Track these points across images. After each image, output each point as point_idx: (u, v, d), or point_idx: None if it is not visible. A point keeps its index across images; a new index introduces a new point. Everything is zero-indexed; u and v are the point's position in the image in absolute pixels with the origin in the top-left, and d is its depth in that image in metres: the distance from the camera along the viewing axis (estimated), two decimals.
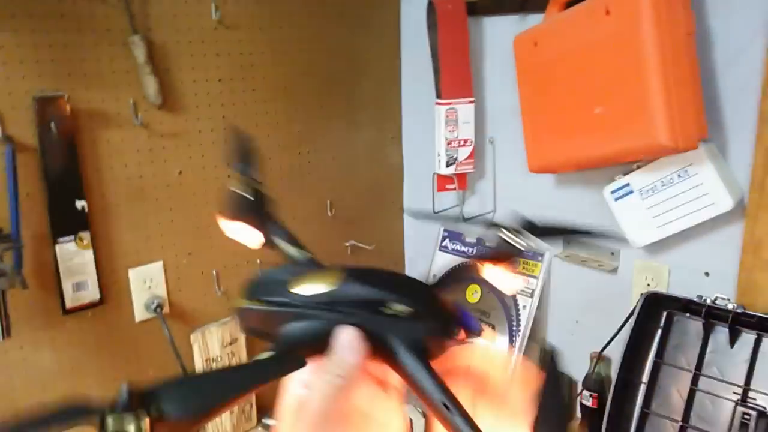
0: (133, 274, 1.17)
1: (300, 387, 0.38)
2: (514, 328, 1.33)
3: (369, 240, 1.56)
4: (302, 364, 0.36)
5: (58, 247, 1.08)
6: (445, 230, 1.53)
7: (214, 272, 1.28)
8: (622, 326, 1.08)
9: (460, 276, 0.50)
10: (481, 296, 1.41)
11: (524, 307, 1.33)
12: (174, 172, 1.20)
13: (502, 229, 0.48)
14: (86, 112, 1.09)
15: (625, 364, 1.04)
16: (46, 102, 1.04)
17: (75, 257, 1.10)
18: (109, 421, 0.29)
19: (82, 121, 1.09)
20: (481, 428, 0.36)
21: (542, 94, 1.17)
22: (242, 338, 1.32)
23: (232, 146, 0.49)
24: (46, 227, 1.07)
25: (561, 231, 0.53)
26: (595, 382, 1.21)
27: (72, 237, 1.09)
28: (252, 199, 0.46)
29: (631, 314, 1.06)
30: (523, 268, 1.35)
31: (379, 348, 0.39)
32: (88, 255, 1.11)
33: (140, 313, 1.19)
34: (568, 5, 1.10)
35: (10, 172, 1.01)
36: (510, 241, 0.49)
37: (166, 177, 1.19)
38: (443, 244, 1.53)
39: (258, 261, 1.34)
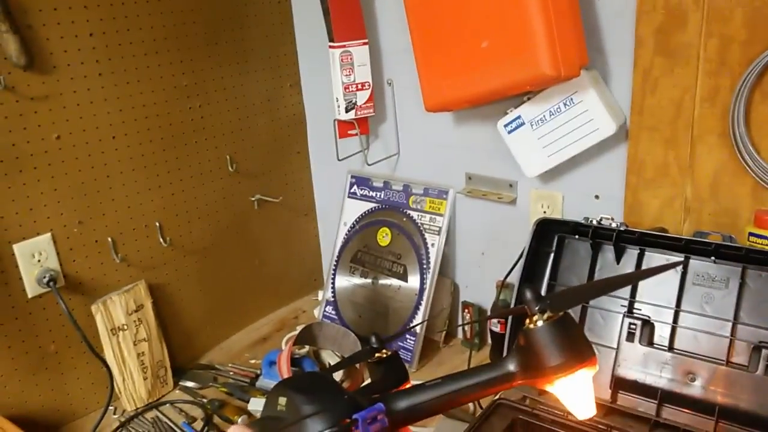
0: (18, 249, 1.11)
1: None
2: (425, 267, 1.36)
3: (276, 192, 1.53)
4: None
5: None
6: (352, 176, 1.52)
7: (109, 239, 1.22)
8: (522, 253, 1.12)
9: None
10: (391, 239, 1.43)
11: (433, 245, 1.35)
12: (51, 138, 1.12)
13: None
14: None
15: (522, 289, 1.07)
16: None
17: None
18: None
19: None
20: None
21: (431, 32, 1.15)
22: (149, 304, 1.28)
23: None
24: None
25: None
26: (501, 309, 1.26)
27: None
28: None
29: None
30: (430, 207, 1.37)
31: None
32: None
33: (32, 289, 1.13)
34: None
35: None
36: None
37: (43, 143, 1.11)
38: (351, 190, 1.52)
39: (157, 224, 1.29)
